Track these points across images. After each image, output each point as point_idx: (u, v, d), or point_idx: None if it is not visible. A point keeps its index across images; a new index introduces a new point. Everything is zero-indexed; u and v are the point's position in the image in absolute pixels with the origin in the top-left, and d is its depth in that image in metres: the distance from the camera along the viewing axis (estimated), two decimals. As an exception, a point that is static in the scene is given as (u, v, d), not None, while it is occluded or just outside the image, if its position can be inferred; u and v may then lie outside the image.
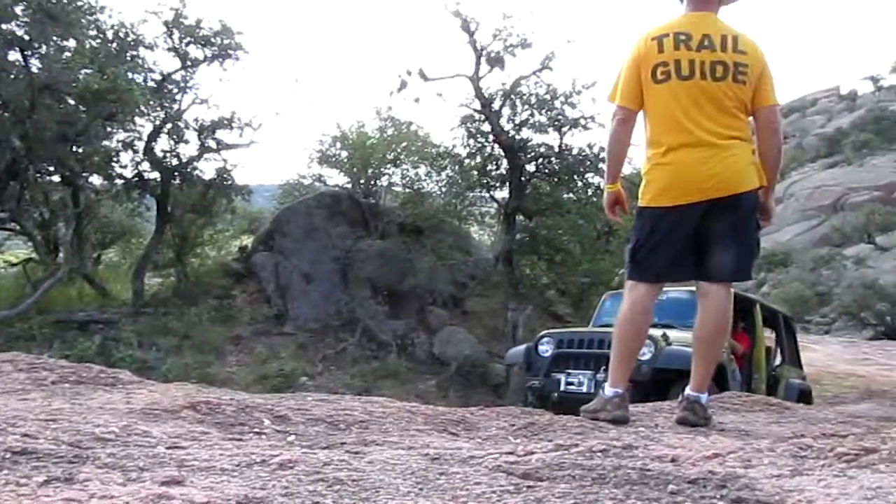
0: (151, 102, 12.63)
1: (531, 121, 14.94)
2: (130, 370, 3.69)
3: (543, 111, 14.81)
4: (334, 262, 13.92)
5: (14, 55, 11.07)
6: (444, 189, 15.94)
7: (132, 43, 12.85)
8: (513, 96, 14.88)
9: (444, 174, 15.89)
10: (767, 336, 8.18)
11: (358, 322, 13.18)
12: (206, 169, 14.32)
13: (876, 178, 40.10)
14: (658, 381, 5.80)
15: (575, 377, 6.50)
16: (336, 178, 16.12)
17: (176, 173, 13.84)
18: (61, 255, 13.14)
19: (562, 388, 6.50)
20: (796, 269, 33.95)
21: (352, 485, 1.59)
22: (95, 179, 13.64)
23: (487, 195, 16.30)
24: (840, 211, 39.16)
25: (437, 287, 13.65)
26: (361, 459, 1.87)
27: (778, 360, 8.47)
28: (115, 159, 13.41)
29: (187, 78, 13.72)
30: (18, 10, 10.73)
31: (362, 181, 15.43)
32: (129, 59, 12.63)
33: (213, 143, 13.93)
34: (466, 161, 15.64)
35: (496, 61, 14.63)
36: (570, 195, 15.22)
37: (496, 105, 14.96)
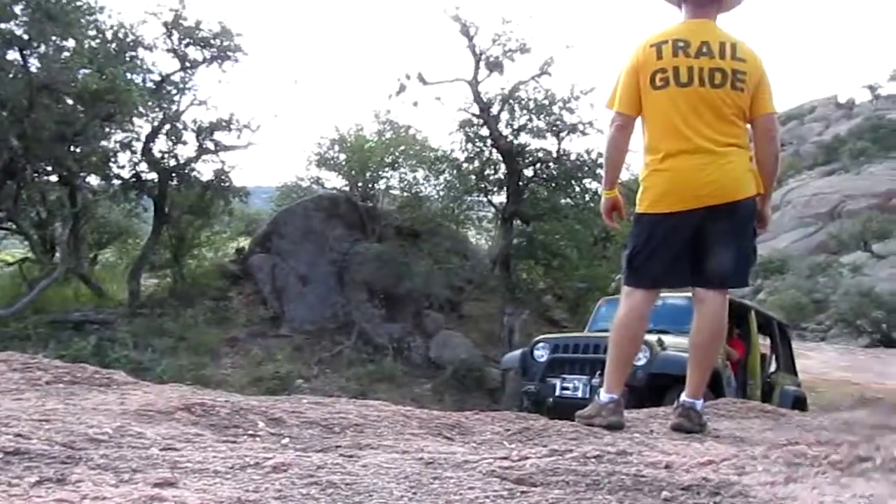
0: (150, 103, 12.63)
1: (529, 126, 14.97)
2: (125, 371, 3.67)
3: (542, 116, 14.84)
4: (331, 264, 13.91)
5: (13, 54, 11.07)
6: (441, 193, 15.95)
7: (131, 43, 12.86)
8: (511, 101, 14.91)
9: (441, 178, 15.92)
10: (762, 343, 8.19)
11: (354, 325, 13.17)
12: (204, 170, 14.35)
13: (873, 185, 40.20)
14: (653, 387, 5.79)
15: (570, 382, 6.49)
16: (334, 181, 16.14)
17: (173, 174, 13.84)
18: (58, 254, 13.12)
19: (557, 393, 6.49)
20: (793, 277, 33.99)
21: (345, 488, 1.59)
22: (93, 179, 13.64)
23: (485, 199, 16.31)
24: (837, 218, 39.24)
25: (433, 291, 13.64)
26: (355, 463, 1.87)
27: (773, 367, 8.48)
28: (112, 160, 13.41)
29: (186, 79, 13.74)
30: (17, 9, 10.73)
31: (360, 184, 15.44)
32: (128, 59, 12.64)
33: (211, 145, 13.94)
34: (464, 165, 15.65)
35: (495, 66, 14.65)
36: (568, 200, 15.25)
37: (495, 110, 14.98)
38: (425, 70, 15.13)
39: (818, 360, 17.98)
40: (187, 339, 12.00)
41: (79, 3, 11.42)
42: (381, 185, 15.78)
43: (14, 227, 13.59)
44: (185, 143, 13.83)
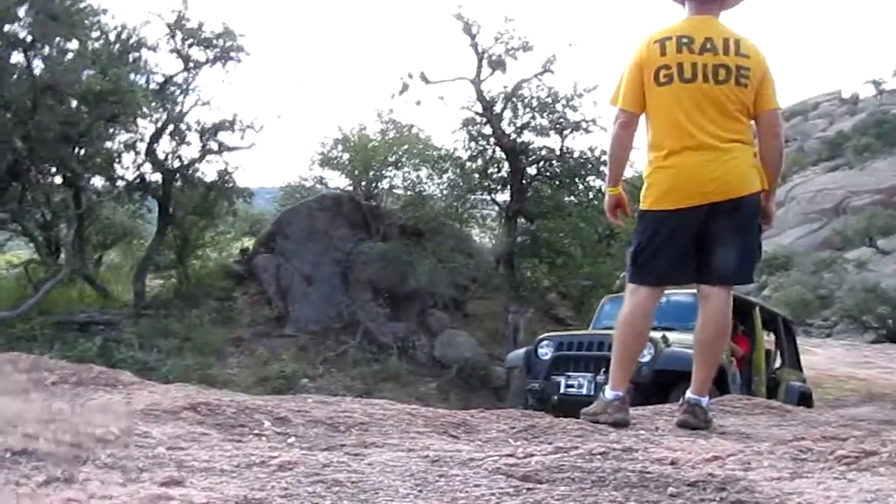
0: (153, 104, 12.65)
1: (532, 124, 14.97)
2: (131, 371, 3.69)
3: (545, 114, 14.84)
4: (335, 264, 13.92)
5: (17, 56, 11.10)
6: (445, 192, 15.95)
7: (135, 45, 12.88)
8: (514, 99, 14.90)
9: (445, 177, 15.91)
10: (767, 339, 8.18)
11: (359, 324, 13.18)
12: (208, 171, 14.35)
13: (877, 181, 40.04)
14: (658, 383, 5.79)
15: (575, 380, 6.49)
16: (337, 181, 16.14)
17: (177, 175, 13.85)
18: (62, 256, 13.16)
19: (562, 390, 6.49)
20: (798, 273, 33.89)
21: (351, 486, 1.60)
22: (97, 181, 13.67)
23: (489, 198, 16.31)
24: (842, 214, 39.11)
25: (437, 290, 13.64)
26: (361, 461, 1.87)
27: (778, 364, 8.47)
28: (116, 161, 13.43)
29: (189, 80, 13.75)
30: (21, 11, 10.75)
31: (363, 183, 15.44)
32: (131, 60, 12.66)
33: (214, 145, 13.95)
34: (468, 164, 15.66)
35: (498, 64, 14.65)
36: (572, 198, 15.24)
37: (497, 108, 14.98)
38: (428, 69, 15.16)
39: (824, 357, 17.93)
40: (192, 340, 12.03)
41: (82, 5, 11.44)
42: (385, 184, 15.78)
43: (19, 228, 13.63)
44: (188, 143, 13.85)
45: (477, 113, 15.06)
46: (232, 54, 13.60)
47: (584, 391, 6.25)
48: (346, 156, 15.70)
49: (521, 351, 7.54)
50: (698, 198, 2.87)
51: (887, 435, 2.52)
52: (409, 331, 13.40)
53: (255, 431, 2.26)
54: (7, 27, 10.71)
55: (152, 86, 13.08)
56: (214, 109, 15.78)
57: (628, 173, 5.23)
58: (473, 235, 17.39)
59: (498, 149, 15.19)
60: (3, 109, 11.13)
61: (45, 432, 1.81)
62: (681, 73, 2.88)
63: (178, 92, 13.68)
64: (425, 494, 1.59)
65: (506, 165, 15.30)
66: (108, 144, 13.04)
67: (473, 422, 2.73)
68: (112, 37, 12.59)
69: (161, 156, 13.70)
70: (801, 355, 9.14)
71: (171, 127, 13.54)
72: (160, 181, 13.81)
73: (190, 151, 13.94)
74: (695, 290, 3.13)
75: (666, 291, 7.40)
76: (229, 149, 14.05)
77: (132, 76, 12.25)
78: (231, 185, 14.16)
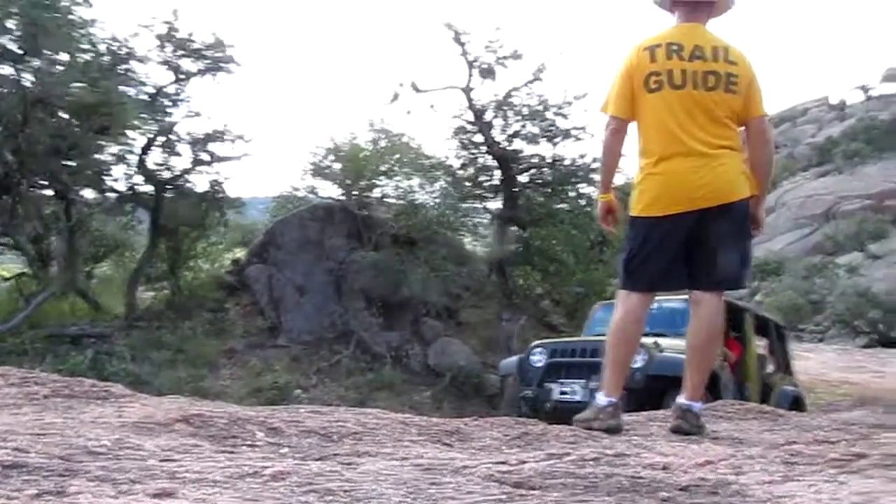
0: (144, 115, 12.63)
1: (523, 132, 15.00)
2: (123, 384, 3.68)
3: (535, 122, 14.88)
4: (328, 273, 13.90)
5: (7, 69, 11.07)
6: (437, 200, 15.94)
7: (124, 56, 12.86)
8: (505, 107, 14.95)
9: (437, 185, 15.92)
10: (759, 344, 8.21)
11: (352, 334, 13.15)
12: (199, 182, 14.32)
13: (867, 186, 40.29)
14: (651, 389, 5.81)
15: (568, 386, 6.51)
16: (329, 190, 16.11)
17: (168, 186, 13.82)
18: (54, 269, 13.10)
19: (555, 397, 6.51)
20: (789, 278, 34.02)
21: (343, 495, 1.60)
22: (88, 193, 13.62)
23: (481, 206, 16.33)
24: (832, 219, 39.31)
25: (431, 298, 13.63)
26: (354, 470, 1.87)
27: (770, 369, 8.50)
28: (107, 173, 13.39)
29: (180, 91, 13.74)
30: (11, 24, 10.73)
31: (355, 193, 15.42)
32: (121, 72, 12.64)
33: (205, 156, 13.92)
34: (459, 172, 15.68)
35: (488, 73, 14.70)
36: (564, 205, 15.27)
37: (488, 116, 15.02)
38: (419, 78, 15.20)
39: (816, 361, 18.00)
40: (185, 352, 11.97)
41: (71, 17, 11.44)
42: (377, 193, 15.77)
43: (10, 241, 13.57)
44: (179, 154, 13.82)
45: (468, 121, 15.11)
46: (222, 65, 13.60)
47: (578, 398, 6.26)
48: (337, 165, 15.70)
49: (515, 358, 7.56)
50: (688, 204, 2.89)
51: (878, 438, 2.53)
52: (403, 340, 13.38)
53: (248, 442, 2.26)
54: (-3, 40, 10.70)
55: (143, 97, 13.07)
56: (205, 120, 15.85)
57: (619, 180, 5.26)
58: (466, 244, 17.38)
59: (489, 157, 15.23)
60: (-6, 123, 11.11)
61: (36, 445, 1.81)
62: (671, 79, 2.90)
63: (168, 103, 13.67)
64: (418, 502, 1.59)
65: (497, 173, 15.33)
66: (99, 156, 13.00)
67: (467, 430, 2.73)
68: (102, 48, 12.57)
69: (152, 167, 13.67)
70: (793, 360, 9.18)
71: (161, 138, 13.52)
72: (151, 192, 13.78)
73: (181, 162, 13.92)
74: (687, 296, 3.14)
75: (658, 298, 7.44)
76: (220, 159, 14.03)
77: (122, 88, 12.23)
78: (222, 195, 14.13)
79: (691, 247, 2.95)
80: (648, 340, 6.32)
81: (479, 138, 15.17)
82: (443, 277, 13.94)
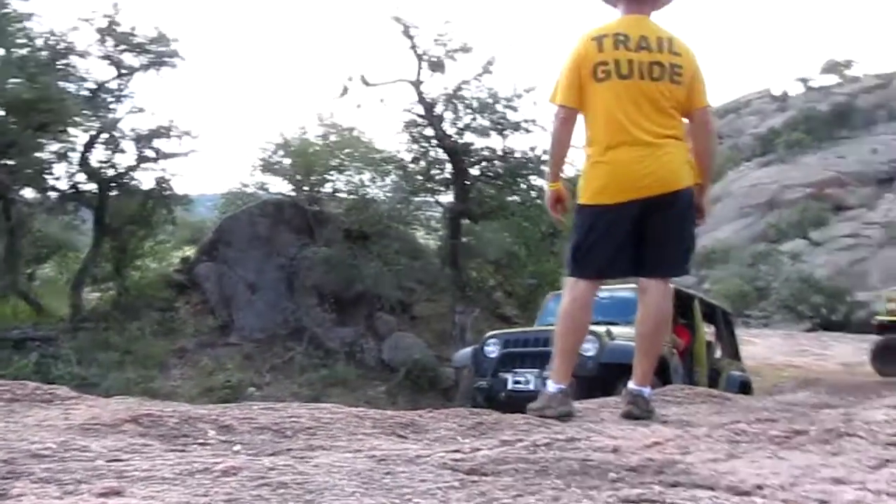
0: (85, 112, 12.31)
1: (474, 124, 15.04)
2: (70, 387, 3.58)
3: (485, 115, 14.93)
4: (279, 270, 13.76)
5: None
6: (389, 194, 15.92)
7: (63, 51, 12.51)
8: (455, 100, 14.96)
9: (388, 179, 15.89)
10: (707, 331, 8.40)
11: (305, 330, 13.05)
12: (145, 179, 14.04)
13: (807, 175, 41.49)
14: (603, 377, 5.89)
15: (522, 376, 6.56)
16: (279, 186, 15.96)
17: (113, 184, 13.52)
18: (-6, 271, 12.69)
19: (509, 387, 6.55)
20: (735, 266, 34.88)
21: (296, 488, 1.59)
22: (28, 192, 13.23)
23: (433, 199, 16.34)
24: (775, 208, 40.39)
25: (384, 293, 13.61)
26: (307, 464, 1.86)
27: (718, 354, 8.71)
28: (48, 171, 13.02)
29: (122, 86, 13.44)
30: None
31: (306, 188, 15.30)
32: (60, 67, 12.29)
33: (150, 153, 13.66)
34: (411, 166, 15.66)
35: (437, 66, 14.69)
36: (515, 198, 15.37)
37: (439, 109, 15.02)
38: (368, 72, 15.11)
39: (762, 346, 18.51)
40: (133, 353, 11.73)
41: (6, 11, 11.07)
42: (328, 188, 15.68)
43: (-53, 243, 13.10)
44: (123, 151, 13.54)
45: (418, 115, 15.08)
46: (166, 59, 13.34)
47: (532, 387, 6.32)
48: (287, 161, 15.55)
49: (469, 350, 7.59)
50: (634, 192, 2.94)
51: (816, 416, 2.62)
52: (357, 335, 13.33)
53: (200, 440, 2.23)
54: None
55: (84, 93, 12.73)
56: (150, 116, 15.53)
57: (570, 172, 5.32)
58: (418, 237, 17.40)
59: (440, 150, 15.23)
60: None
61: (-24, 449, 1.75)
62: (618, 69, 2.94)
63: (111, 99, 13.35)
64: (371, 492, 1.59)
65: (448, 167, 15.35)
66: (39, 154, 12.62)
67: (422, 422, 2.74)
68: (39, 43, 12.21)
69: (95, 165, 13.35)
70: (740, 345, 9.42)
71: (104, 135, 13.20)
72: (95, 191, 13.45)
73: (125, 159, 13.64)
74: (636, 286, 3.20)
75: (610, 287, 7.55)
76: (166, 156, 13.78)
77: (62, 84, 11.90)
78: (169, 192, 13.88)
79: (637, 235, 3.00)
80: (600, 329, 6.42)
81: (429, 132, 15.17)
82: (396, 272, 13.93)
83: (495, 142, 15.20)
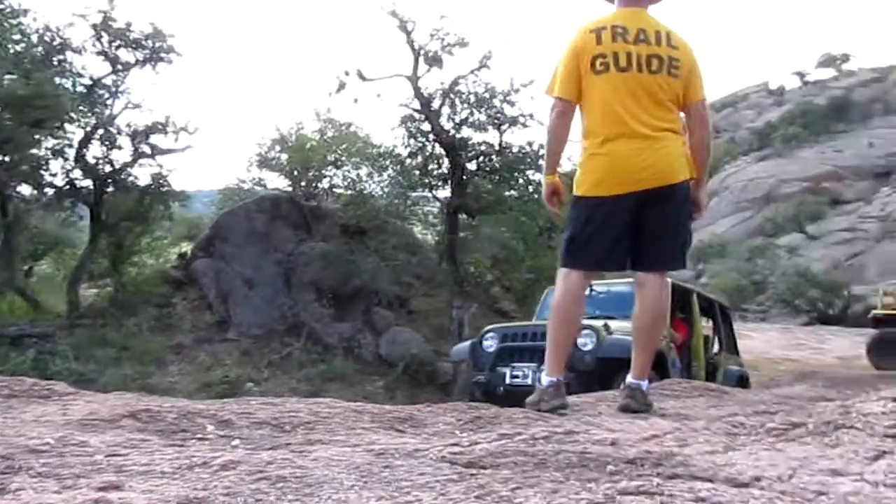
0: (81, 108, 12.29)
1: (471, 119, 15.04)
2: (67, 383, 3.58)
3: (482, 109, 14.93)
4: (277, 265, 13.76)
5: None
6: (386, 189, 15.92)
7: (59, 47, 12.48)
8: (452, 95, 14.96)
9: (385, 174, 15.89)
10: (705, 325, 8.41)
11: (303, 326, 13.06)
12: (141, 175, 14.05)
13: (803, 169, 41.56)
14: (601, 371, 5.90)
15: (519, 370, 6.56)
16: (276, 182, 15.98)
17: (109, 180, 13.50)
18: (-10, 267, 12.67)
19: (507, 381, 6.55)
20: (732, 260, 34.96)
21: (295, 481, 1.59)
22: (24, 189, 13.22)
23: (430, 194, 16.34)
24: (772, 202, 40.45)
25: (381, 288, 13.61)
26: (306, 458, 1.86)
27: (716, 348, 8.72)
28: (44, 167, 13.00)
29: (118, 82, 13.42)
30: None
31: (303, 183, 15.31)
32: (55, 63, 12.26)
33: (147, 149, 13.64)
34: (408, 161, 15.65)
35: (434, 61, 14.67)
36: (512, 192, 15.36)
37: (436, 104, 15.00)
38: (365, 66, 15.09)
39: (760, 340, 18.56)
40: (131, 349, 11.74)
41: (1, 7, 11.04)
42: (325, 183, 15.69)
43: (-58, 240, 13.07)
44: (119, 147, 13.53)
45: (415, 110, 15.06)
46: (162, 55, 13.31)
47: (529, 381, 6.32)
48: (284, 156, 15.55)
49: (467, 344, 7.59)
50: (632, 185, 2.93)
51: (813, 408, 2.63)
52: (355, 330, 13.34)
53: (198, 435, 2.22)
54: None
55: (79, 89, 12.71)
56: (146, 112, 15.45)
57: (566, 167, 5.32)
58: (416, 232, 17.41)
59: (437, 145, 15.22)
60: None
61: (-26, 445, 1.75)
62: (616, 61, 2.93)
63: (106, 95, 13.33)
64: (370, 485, 1.59)
65: (446, 162, 15.34)
66: (35, 151, 12.60)
67: (420, 416, 2.74)
68: (34, 39, 12.18)
69: (91, 161, 13.35)
70: (737, 340, 9.44)
71: (100, 131, 13.19)
72: (91, 187, 13.43)
73: (121, 156, 13.64)
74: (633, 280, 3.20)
75: (607, 281, 7.53)
76: (163, 152, 13.76)
77: (57, 80, 11.87)
78: (166, 188, 13.87)
79: (634, 229, 2.99)
80: (598, 323, 6.43)
81: (426, 127, 15.15)
82: (393, 267, 13.93)
83: (492, 136, 15.22)
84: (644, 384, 3.08)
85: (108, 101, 13.38)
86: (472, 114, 15.02)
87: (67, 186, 13.37)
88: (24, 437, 1.94)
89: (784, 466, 1.74)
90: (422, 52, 14.63)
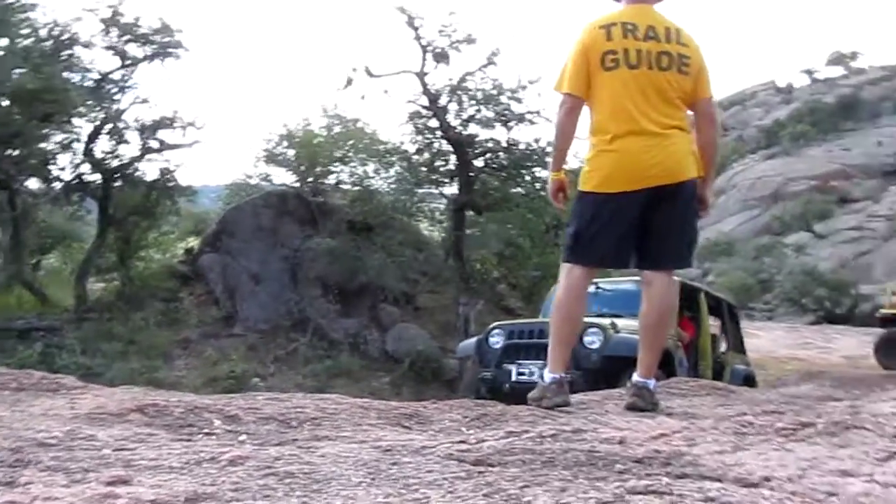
0: (90, 102, 12.33)
1: (478, 116, 15.01)
2: (74, 377, 3.59)
3: (490, 106, 14.90)
4: (283, 261, 13.78)
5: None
6: (393, 186, 15.92)
7: (67, 42, 12.52)
8: (459, 92, 14.93)
9: (392, 171, 15.88)
10: (712, 324, 8.38)
11: (309, 321, 13.07)
12: (149, 170, 14.12)
13: (811, 167, 41.35)
14: (608, 369, 5.89)
15: (526, 367, 6.55)
16: (283, 177, 15.98)
17: (117, 175, 13.55)
18: (-2, 261, 12.75)
19: (513, 378, 6.55)
20: (739, 258, 34.83)
21: (303, 477, 1.59)
22: (33, 182, 13.28)
23: (437, 191, 16.33)
24: (780, 200, 40.27)
25: (387, 284, 13.62)
26: (313, 454, 1.86)
27: (723, 347, 8.70)
28: (52, 161, 13.06)
29: (126, 77, 13.46)
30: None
31: (310, 179, 15.31)
32: (64, 58, 12.30)
33: (155, 144, 13.69)
34: (415, 157, 15.64)
35: (442, 57, 14.65)
36: (519, 189, 15.35)
37: (443, 101, 14.98)
38: (372, 63, 15.07)
39: (766, 339, 18.51)
40: (137, 343, 11.78)
41: (10, 1, 11.07)
42: (332, 179, 15.68)
43: (-49, 234, 13.15)
44: (127, 142, 13.58)
45: (423, 106, 15.05)
46: (170, 50, 13.34)
47: (535, 378, 6.29)
48: (291, 152, 15.56)
49: (473, 340, 7.59)
50: (640, 182, 2.92)
51: (822, 408, 2.62)
52: (361, 326, 13.35)
53: (206, 430, 2.23)
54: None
55: (88, 83, 12.75)
56: (154, 107, 15.57)
57: (573, 164, 5.30)
58: (422, 229, 17.40)
59: (444, 142, 15.21)
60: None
61: (-17, 438, 1.76)
62: (626, 58, 2.92)
63: (115, 89, 13.38)
64: (378, 482, 1.59)
65: (453, 158, 15.33)
66: (43, 145, 12.65)
67: (426, 412, 2.74)
68: (43, 34, 12.21)
69: (99, 155, 13.40)
70: (744, 339, 9.42)
71: (108, 125, 13.22)
72: (99, 181, 13.48)
73: (129, 150, 13.68)
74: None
75: (614, 280, 7.51)
76: (170, 147, 13.81)
77: (66, 74, 11.91)
78: (173, 183, 13.91)
79: (641, 227, 2.98)
80: (605, 321, 6.42)
81: (434, 123, 15.14)
82: (399, 263, 13.94)
83: (500, 133, 15.19)
84: (651, 383, 3.07)
85: (117, 96, 13.44)
86: (479, 110, 15.00)
87: (75, 181, 13.43)
88: (32, 430, 1.94)
89: (794, 467, 1.73)
90: (429, 48, 14.61)
